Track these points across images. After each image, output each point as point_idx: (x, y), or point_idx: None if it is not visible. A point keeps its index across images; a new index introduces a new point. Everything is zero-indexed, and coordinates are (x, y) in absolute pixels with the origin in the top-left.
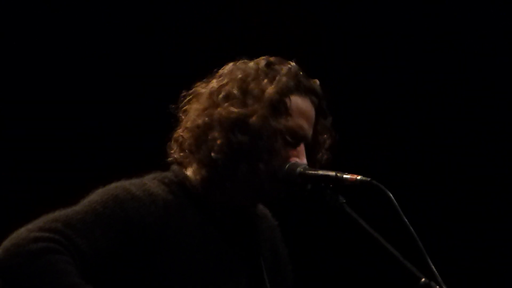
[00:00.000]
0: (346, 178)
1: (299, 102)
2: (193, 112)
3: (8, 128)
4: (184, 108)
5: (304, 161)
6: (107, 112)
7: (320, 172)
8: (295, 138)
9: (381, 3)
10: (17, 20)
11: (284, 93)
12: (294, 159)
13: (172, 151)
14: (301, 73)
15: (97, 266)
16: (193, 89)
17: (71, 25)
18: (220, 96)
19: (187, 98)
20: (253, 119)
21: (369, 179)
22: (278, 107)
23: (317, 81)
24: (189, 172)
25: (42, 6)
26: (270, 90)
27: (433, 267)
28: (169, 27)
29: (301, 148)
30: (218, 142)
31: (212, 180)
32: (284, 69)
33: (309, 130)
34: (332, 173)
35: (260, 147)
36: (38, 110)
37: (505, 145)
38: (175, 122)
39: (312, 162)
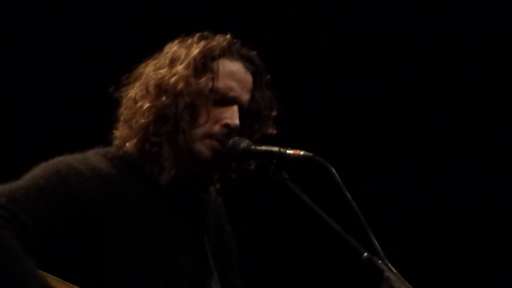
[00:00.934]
0: (289, 154)
1: (229, 65)
2: (132, 89)
3: None
4: (126, 88)
5: (236, 122)
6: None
7: (264, 147)
8: (224, 98)
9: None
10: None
11: (208, 54)
12: (226, 121)
13: (115, 129)
14: (235, 41)
15: (42, 241)
16: (136, 71)
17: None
18: (153, 68)
19: (130, 79)
20: (174, 79)
21: (311, 154)
22: (201, 67)
23: (255, 52)
24: (128, 145)
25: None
26: (195, 50)
27: (375, 241)
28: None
29: (234, 110)
30: (145, 107)
31: (145, 148)
32: (216, 37)
33: (241, 93)
34: (276, 149)
35: (182, 106)
36: None
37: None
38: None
39: (251, 130)
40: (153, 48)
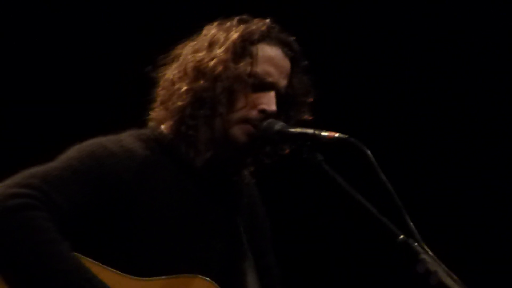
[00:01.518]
0: (324, 136)
1: (267, 50)
2: (169, 71)
3: None
4: (163, 69)
5: (273, 108)
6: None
7: (298, 129)
8: (262, 83)
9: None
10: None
11: (247, 39)
12: (262, 106)
13: (150, 111)
14: (274, 26)
15: (75, 222)
16: (173, 52)
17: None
18: (191, 49)
19: (167, 59)
20: (212, 62)
21: (346, 136)
22: (240, 52)
23: (293, 37)
24: (164, 127)
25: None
26: (234, 34)
27: (411, 224)
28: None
29: (271, 95)
30: (183, 90)
31: (180, 131)
32: (255, 22)
33: (279, 79)
34: (310, 131)
35: (220, 90)
36: None
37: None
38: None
39: (287, 115)
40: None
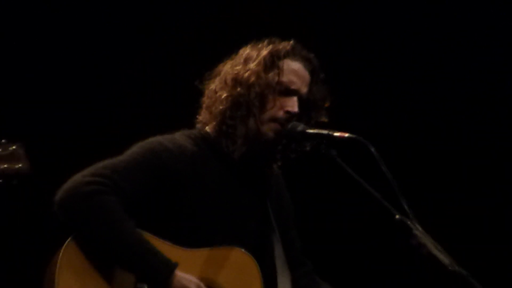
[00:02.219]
0: (336, 136)
1: (292, 64)
2: (212, 83)
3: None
4: (208, 82)
5: (296, 109)
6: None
7: (316, 130)
8: (287, 90)
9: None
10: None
11: (275, 54)
12: (288, 108)
13: (198, 115)
14: (298, 45)
15: (138, 205)
16: (216, 69)
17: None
18: (230, 65)
19: (211, 75)
20: (247, 74)
21: (355, 136)
22: (270, 65)
23: (313, 54)
24: (208, 128)
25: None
26: (264, 51)
27: (406, 206)
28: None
29: (294, 100)
30: (223, 96)
31: (222, 129)
32: (282, 42)
33: (301, 87)
34: (325, 131)
35: (253, 95)
36: None
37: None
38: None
39: (307, 117)
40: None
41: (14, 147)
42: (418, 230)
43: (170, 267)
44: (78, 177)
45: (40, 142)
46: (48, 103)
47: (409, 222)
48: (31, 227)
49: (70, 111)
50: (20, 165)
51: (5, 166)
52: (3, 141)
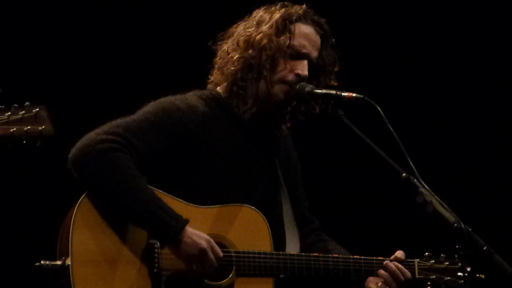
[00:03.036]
0: (344, 96)
1: (303, 28)
2: (225, 44)
3: None
4: (221, 43)
5: (306, 73)
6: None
7: (324, 90)
8: (298, 54)
9: None
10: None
11: (287, 18)
12: (297, 71)
13: (209, 75)
14: (309, 10)
15: (150, 162)
16: (228, 30)
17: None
18: (243, 27)
19: (224, 36)
20: (259, 36)
21: (362, 95)
22: (281, 28)
23: (324, 19)
24: (219, 88)
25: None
26: (277, 15)
27: (412, 165)
28: None
29: (304, 63)
30: (235, 58)
31: (233, 90)
32: (294, 6)
33: (311, 51)
34: (333, 92)
35: (265, 58)
36: None
37: None
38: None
39: (317, 81)
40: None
41: (37, 109)
42: (423, 188)
43: (181, 223)
44: (91, 135)
45: (62, 104)
46: (70, 65)
47: (415, 180)
48: (52, 187)
49: (91, 73)
50: (43, 127)
51: (29, 128)
52: (26, 103)
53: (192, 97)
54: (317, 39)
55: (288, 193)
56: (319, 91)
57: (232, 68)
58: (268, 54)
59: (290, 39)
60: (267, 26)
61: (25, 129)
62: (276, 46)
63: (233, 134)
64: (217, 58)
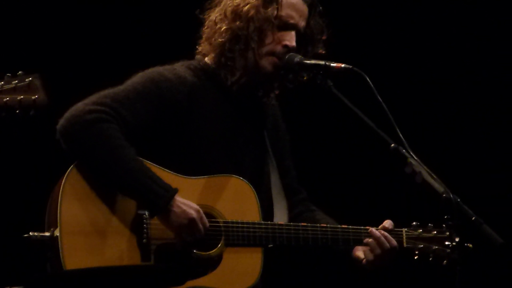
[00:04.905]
0: (333, 66)
1: None
2: (212, 13)
3: None
4: (208, 12)
5: (293, 44)
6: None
7: (313, 61)
8: (285, 24)
9: None
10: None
11: None
12: (285, 42)
13: (198, 45)
14: None
15: (139, 133)
16: None
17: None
18: None
19: (211, 4)
20: (246, 7)
21: (351, 66)
22: None
23: None
24: (208, 59)
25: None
26: None
27: (401, 136)
28: None
29: (292, 34)
30: (223, 29)
31: (220, 61)
32: None
33: (299, 21)
34: (322, 62)
35: (252, 29)
36: None
37: None
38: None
39: (306, 51)
40: None
41: (30, 78)
42: (412, 158)
43: (170, 192)
44: (79, 106)
45: (56, 73)
46: (62, 34)
47: (404, 151)
48: (42, 156)
49: (82, 42)
50: (36, 96)
51: (22, 97)
52: (19, 72)
53: (180, 67)
54: (304, 8)
55: (276, 164)
56: (308, 61)
57: (220, 40)
58: (256, 25)
59: (277, 10)
60: None
61: (18, 98)
62: (264, 18)
63: (221, 105)
64: (205, 27)
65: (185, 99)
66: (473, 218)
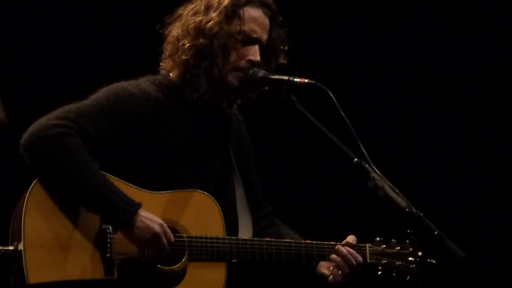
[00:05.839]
0: (296, 81)
1: (252, 12)
2: (174, 28)
3: None
4: (169, 27)
5: (258, 58)
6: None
7: (276, 76)
8: (249, 39)
9: None
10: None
11: (236, 3)
12: (249, 57)
13: (161, 61)
14: None
15: (102, 147)
16: (176, 12)
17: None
18: (191, 12)
19: (171, 19)
20: (209, 24)
21: (314, 81)
22: (231, 14)
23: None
24: (172, 74)
25: None
26: (226, 2)
27: (364, 150)
28: None
29: (256, 48)
30: (186, 46)
31: (185, 78)
32: None
33: (262, 35)
34: (286, 77)
35: (216, 46)
36: None
37: None
38: (163, 39)
39: (269, 62)
40: None
41: None
42: (375, 173)
43: (133, 207)
44: (43, 120)
45: (15, 92)
46: (21, 52)
47: (366, 165)
48: (5, 170)
49: (42, 58)
50: None
51: None
52: None
53: (145, 82)
54: (266, 21)
55: (241, 178)
56: (272, 76)
57: (184, 57)
58: (220, 42)
59: (240, 26)
60: (216, 12)
61: None
62: (227, 34)
63: (186, 120)
64: (166, 43)
65: (150, 114)
66: (436, 233)
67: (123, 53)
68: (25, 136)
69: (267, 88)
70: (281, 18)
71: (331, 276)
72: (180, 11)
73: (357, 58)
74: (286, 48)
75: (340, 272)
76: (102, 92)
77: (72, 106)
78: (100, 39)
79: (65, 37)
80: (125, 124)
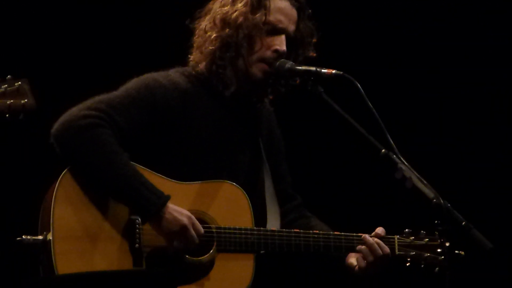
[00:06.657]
0: (324, 72)
1: (278, 3)
2: (203, 22)
3: None
4: (199, 21)
5: (284, 48)
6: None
7: (304, 67)
8: (274, 29)
9: None
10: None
11: None
12: (275, 47)
13: (189, 54)
14: None
15: (132, 138)
16: (206, 7)
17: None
18: (219, 5)
19: (201, 13)
20: (235, 14)
21: (341, 72)
22: (257, 5)
23: None
24: (200, 66)
25: None
26: None
27: (391, 141)
28: None
29: (282, 38)
30: (213, 37)
31: (212, 69)
32: None
33: (288, 25)
34: (313, 68)
35: (242, 36)
36: None
37: None
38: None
39: (295, 54)
40: None
41: (19, 83)
42: (403, 164)
43: (162, 199)
44: (74, 111)
45: (45, 77)
46: (54, 38)
47: (394, 156)
48: (35, 160)
49: (74, 47)
50: (25, 101)
51: (11, 101)
52: (8, 77)
53: (174, 73)
54: (293, 12)
55: (270, 170)
56: (299, 67)
57: (210, 48)
58: (245, 32)
59: (265, 15)
60: (242, 3)
61: (8, 102)
62: (252, 24)
63: (215, 111)
64: (196, 36)
65: (179, 105)
66: (463, 223)
67: (155, 46)
68: (56, 126)
69: (297, 81)
70: (309, 10)
71: (357, 266)
72: (210, 5)
73: (387, 50)
74: (315, 40)
75: (365, 261)
76: (133, 83)
77: (103, 97)
78: (133, 32)
79: (99, 28)
80: (155, 114)
